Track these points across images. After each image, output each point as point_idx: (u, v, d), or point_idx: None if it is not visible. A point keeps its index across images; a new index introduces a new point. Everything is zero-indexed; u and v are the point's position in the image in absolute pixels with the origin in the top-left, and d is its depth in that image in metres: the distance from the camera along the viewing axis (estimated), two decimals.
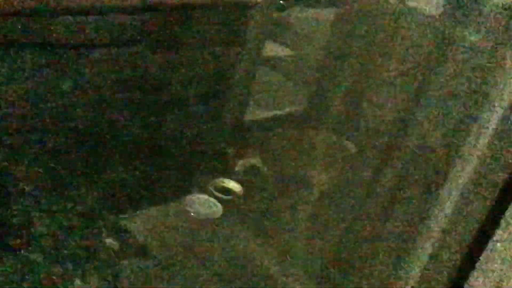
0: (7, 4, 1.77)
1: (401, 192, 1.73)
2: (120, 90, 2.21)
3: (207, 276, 2.01)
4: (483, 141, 1.18)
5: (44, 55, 1.94)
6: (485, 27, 1.62)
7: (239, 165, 2.50)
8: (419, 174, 1.66)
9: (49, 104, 2.03)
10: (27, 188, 2.05)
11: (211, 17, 2.38)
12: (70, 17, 1.94)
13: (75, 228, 2.04)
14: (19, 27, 1.84)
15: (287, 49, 3.01)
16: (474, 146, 1.21)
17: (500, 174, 1.16)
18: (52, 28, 1.91)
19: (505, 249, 1.07)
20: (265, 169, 2.49)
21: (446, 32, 1.81)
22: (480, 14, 1.67)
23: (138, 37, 2.18)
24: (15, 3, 1.78)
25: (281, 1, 2.67)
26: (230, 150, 2.54)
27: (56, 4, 1.90)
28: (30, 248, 1.88)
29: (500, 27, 1.55)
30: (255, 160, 2.53)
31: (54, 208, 2.07)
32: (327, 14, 2.65)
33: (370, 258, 1.85)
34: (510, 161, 1.09)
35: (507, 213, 1.03)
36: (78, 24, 1.97)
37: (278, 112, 2.84)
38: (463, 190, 1.22)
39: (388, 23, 2.12)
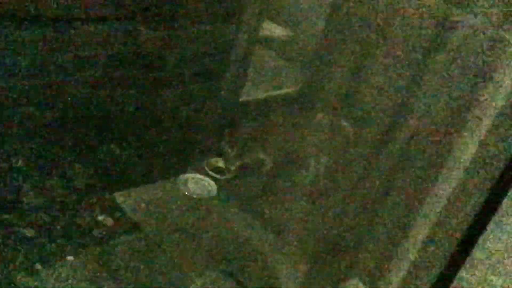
0: None
1: (397, 177, 1.72)
2: (115, 66, 2.18)
3: (199, 255, 2.01)
4: (484, 126, 1.17)
5: (37, 28, 1.90)
6: (485, 10, 1.61)
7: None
8: (416, 160, 1.65)
9: (42, 79, 2.00)
10: (20, 163, 2.03)
11: None
12: None
13: (68, 204, 2.03)
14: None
15: (284, 28, 2.98)
16: (475, 130, 1.21)
17: (500, 161, 1.16)
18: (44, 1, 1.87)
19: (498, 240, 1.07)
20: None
21: (445, 14, 1.79)
22: None
23: (133, 13, 2.14)
24: None
25: None
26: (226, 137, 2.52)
27: None
28: (22, 223, 1.87)
29: (500, 11, 1.54)
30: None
31: (47, 184, 2.05)
32: None
33: (363, 242, 1.85)
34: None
35: (503, 204, 1.03)
36: None
37: (274, 93, 2.82)
38: (461, 176, 1.22)
39: (387, 5, 2.09)
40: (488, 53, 1.50)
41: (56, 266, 1.78)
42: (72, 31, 1.99)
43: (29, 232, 1.85)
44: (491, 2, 1.62)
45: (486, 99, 1.31)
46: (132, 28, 2.15)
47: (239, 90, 2.67)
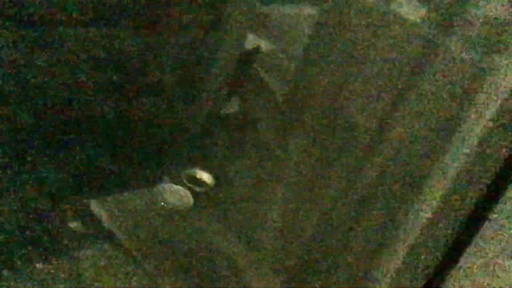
0: None
1: (379, 191, 1.73)
2: (94, 70, 2.16)
3: (171, 266, 1.99)
4: (466, 149, 1.19)
5: (18, 30, 1.88)
6: (470, 37, 1.64)
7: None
8: (398, 175, 1.67)
9: (19, 80, 1.97)
10: None
11: (194, 3, 2.35)
12: None
13: (39, 209, 1.98)
14: None
15: (268, 42, 2.99)
16: (457, 152, 1.23)
17: (474, 192, 1.17)
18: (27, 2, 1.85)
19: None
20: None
21: (429, 39, 1.82)
22: (465, 23, 1.69)
23: (116, 17, 2.13)
24: None
25: None
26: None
27: None
28: None
29: (485, 37, 1.57)
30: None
31: (19, 187, 2.00)
32: (312, 11, 2.65)
33: (341, 257, 1.86)
34: (494, 167, 1.10)
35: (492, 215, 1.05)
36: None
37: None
38: (449, 185, 1.23)
39: (370, 27, 2.12)
40: (470, 79, 1.53)
41: (24, 272, 1.73)
42: (52, 34, 1.96)
43: None
44: (474, 27, 1.66)
45: (468, 123, 1.34)
46: (113, 32, 2.14)
47: (220, 101, 2.66)
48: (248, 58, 2.60)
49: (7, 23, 1.83)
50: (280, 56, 2.87)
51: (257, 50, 2.59)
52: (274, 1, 2.85)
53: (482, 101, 1.25)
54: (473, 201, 1.13)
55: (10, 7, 1.81)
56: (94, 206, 2.10)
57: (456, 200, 1.21)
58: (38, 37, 1.93)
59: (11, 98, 1.97)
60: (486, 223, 1.07)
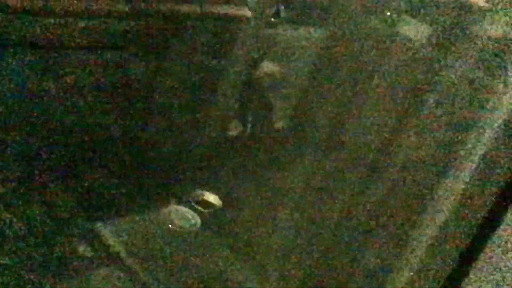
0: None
1: (385, 211, 1.73)
2: (102, 95, 2.19)
3: None
4: (469, 167, 1.20)
5: (28, 55, 1.91)
6: (474, 58, 1.66)
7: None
8: (404, 194, 1.67)
9: (28, 105, 1.99)
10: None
11: (200, 28, 2.38)
12: (56, 19, 1.92)
13: (47, 233, 1.98)
14: (4, 25, 1.81)
15: (275, 65, 3.02)
16: (459, 174, 1.23)
17: (484, 202, 1.17)
18: (38, 29, 1.88)
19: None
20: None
21: (434, 60, 1.84)
22: (469, 44, 1.70)
23: (125, 43, 2.16)
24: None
25: (272, 19, 2.69)
26: None
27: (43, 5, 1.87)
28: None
29: (489, 59, 1.58)
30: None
31: (28, 211, 2.01)
32: (317, 34, 2.68)
33: (351, 279, 1.84)
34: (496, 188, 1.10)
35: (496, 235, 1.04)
36: (64, 26, 1.95)
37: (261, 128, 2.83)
38: (455, 204, 1.24)
39: (376, 48, 2.14)
40: (474, 99, 1.54)
41: None
42: (60, 59, 1.99)
43: (6, 260, 1.81)
44: (478, 48, 1.67)
45: (470, 143, 1.34)
46: (120, 57, 2.16)
47: (227, 123, 2.68)
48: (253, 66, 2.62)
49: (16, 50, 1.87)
50: (286, 77, 2.89)
51: (260, 59, 2.61)
52: (280, 23, 2.87)
53: (485, 120, 1.26)
54: (484, 210, 1.13)
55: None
56: (102, 229, 2.10)
57: (465, 211, 1.21)
58: (45, 62, 1.96)
59: (21, 122, 1.99)
60: (495, 234, 1.07)
